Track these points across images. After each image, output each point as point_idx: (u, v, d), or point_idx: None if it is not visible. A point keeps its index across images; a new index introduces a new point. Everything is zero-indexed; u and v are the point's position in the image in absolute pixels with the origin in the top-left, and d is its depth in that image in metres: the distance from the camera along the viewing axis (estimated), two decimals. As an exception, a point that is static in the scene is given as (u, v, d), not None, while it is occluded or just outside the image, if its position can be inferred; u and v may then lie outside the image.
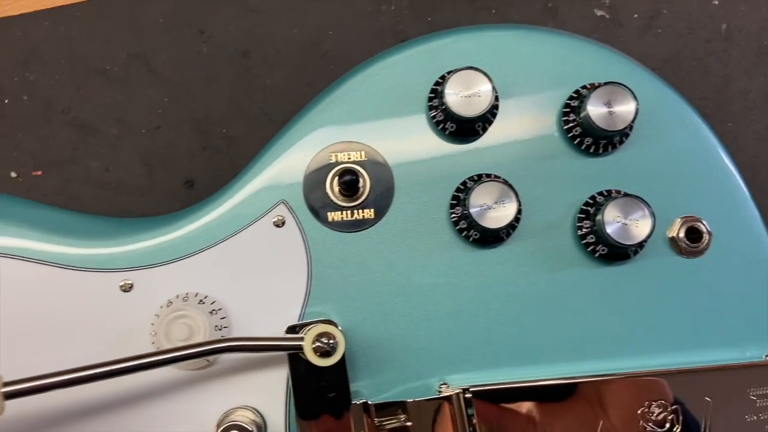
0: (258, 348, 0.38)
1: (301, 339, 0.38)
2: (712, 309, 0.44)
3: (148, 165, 0.59)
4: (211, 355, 0.38)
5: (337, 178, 0.43)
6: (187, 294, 0.42)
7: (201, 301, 0.42)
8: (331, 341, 0.38)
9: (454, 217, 0.44)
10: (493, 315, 0.44)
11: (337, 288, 0.44)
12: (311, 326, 0.39)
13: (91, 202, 0.59)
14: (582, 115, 0.44)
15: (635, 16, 0.54)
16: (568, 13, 0.56)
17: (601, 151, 0.45)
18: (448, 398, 0.41)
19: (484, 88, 0.43)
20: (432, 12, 0.58)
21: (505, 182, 0.43)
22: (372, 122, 0.45)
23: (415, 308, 0.44)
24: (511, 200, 0.43)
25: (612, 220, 0.42)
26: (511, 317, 0.44)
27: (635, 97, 0.43)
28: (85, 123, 0.59)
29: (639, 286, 0.44)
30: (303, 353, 0.38)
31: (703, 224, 0.45)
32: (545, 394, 0.42)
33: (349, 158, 0.45)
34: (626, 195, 0.43)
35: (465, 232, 0.44)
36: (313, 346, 0.38)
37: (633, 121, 0.44)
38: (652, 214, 0.42)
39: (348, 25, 0.58)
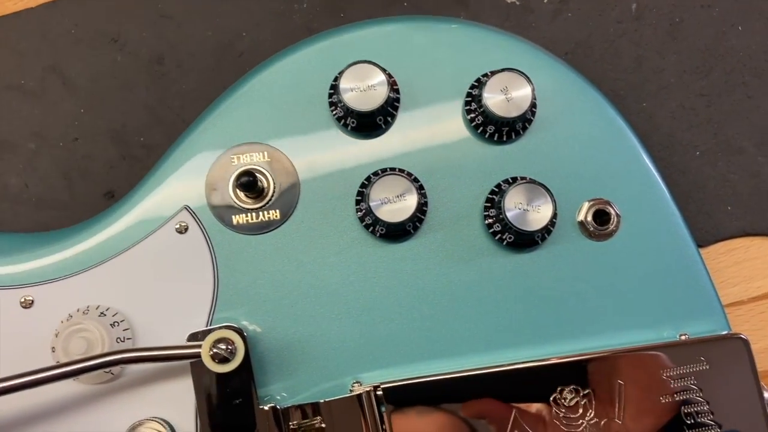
0: (154, 358, 0.38)
1: (199, 346, 0.37)
2: (625, 291, 0.44)
3: (67, 178, 0.58)
4: (105, 367, 0.37)
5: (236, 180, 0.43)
6: (87, 307, 0.41)
7: (102, 313, 0.41)
8: (229, 347, 0.37)
9: (359, 213, 0.44)
10: (405, 310, 0.44)
11: (245, 292, 0.43)
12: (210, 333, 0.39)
13: (12, 219, 0.58)
14: (482, 103, 0.43)
15: (545, 1, 0.54)
16: (480, 2, 0.56)
17: (505, 139, 0.45)
18: (359, 397, 0.41)
19: (379, 80, 0.42)
20: (345, 8, 0.57)
21: (408, 175, 0.43)
22: (274, 122, 0.45)
23: (327, 308, 0.43)
24: (411, 193, 0.42)
25: (513, 206, 0.42)
26: (423, 311, 0.44)
27: (530, 82, 0.43)
28: (1, 139, 0.58)
29: (550, 272, 0.44)
30: (201, 360, 0.37)
31: (612, 207, 0.44)
32: (457, 387, 0.41)
33: (252, 160, 0.44)
34: (527, 181, 0.43)
35: (371, 228, 0.43)
36: (211, 353, 0.37)
37: (533, 107, 0.43)
38: (553, 199, 0.42)
39: (262, 25, 0.57)
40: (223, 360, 0.37)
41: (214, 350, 0.37)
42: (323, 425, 0.41)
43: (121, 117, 0.58)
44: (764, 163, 0.52)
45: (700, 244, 0.51)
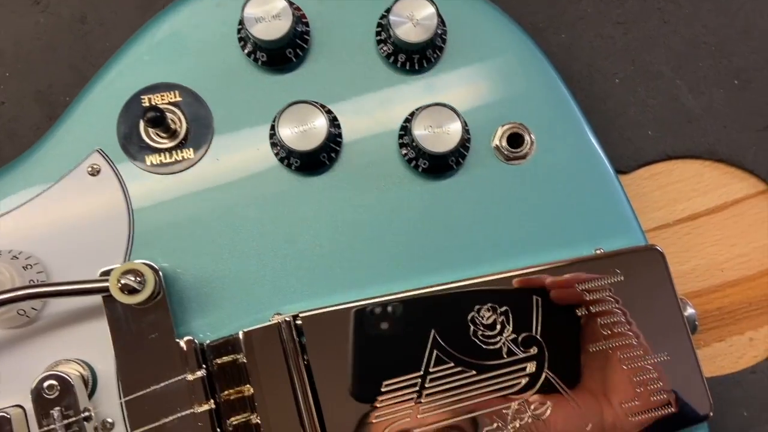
0: (61, 293, 0.37)
1: (106, 279, 0.37)
2: (542, 213, 0.44)
3: (-6, 142, 0.57)
4: (9, 303, 0.37)
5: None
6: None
7: (14, 256, 0.40)
8: (138, 278, 0.37)
9: (274, 149, 0.43)
10: (324, 242, 0.44)
11: (161, 231, 0.43)
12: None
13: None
14: (390, 32, 0.43)
15: (462, -62, 0.54)
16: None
17: (417, 68, 0.45)
18: (278, 326, 0.41)
19: (282, 7, 0.42)
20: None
21: (320, 105, 0.43)
22: (185, 62, 0.44)
23: (245, 243, 0.43)
24: (320, 119, 0.42)
25: (423, 129, 0.42)
26: (342, 242, 0.44)
27: (434, 3, 0.43)
28: (-73, 107, 0.58)
29: (467, 197, 0.44)
30: (110, 293, 0.37)
31: (526, 129, 0.45)
32: (377, 312, 0.41)
33: (163, 99, 0.44)
34: (436, 104, 0.43)
35: (286, 161, 0.43)
36: (119, 284, 0.37)
37: (442, 34, 0.44)
38: (462, 119, 0.42)
39: (182, -22, 0.57)
40: (133, 291, 0.37)
41: (123, 282, 0.37)
42: (243, 360, 0.41)
43: (47, 78, 0.58)
44: (682, 86, 0.53)
45: (624, 170, 0.52)
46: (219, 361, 0.41)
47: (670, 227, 0.52)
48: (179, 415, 0.40)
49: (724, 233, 0.51)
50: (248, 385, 0.40)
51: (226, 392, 0.41)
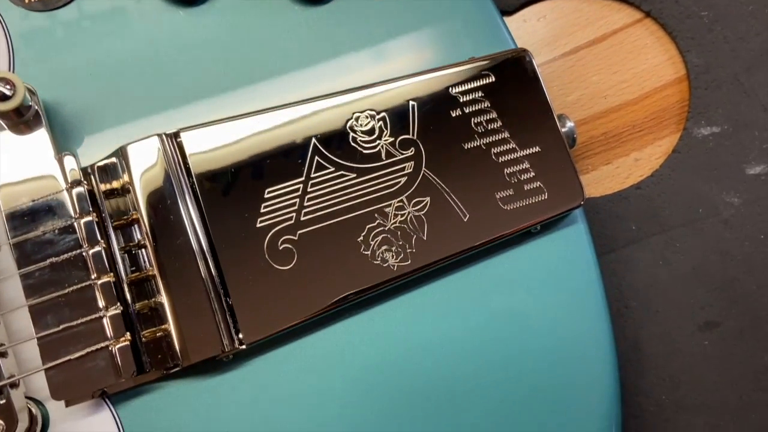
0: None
1: (-21, 90, 0.38)
2: (416, 28, 0.46)
3: None
4: None
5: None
6: None
7: None
8: (8, 86, 0.38)
9: (151, -21, 0.45)
10: (206, 66, 0.44)
11: (42, 65, 0.43)
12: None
13: None
14: None
15: None
16: None
17: None
18: (160, 139, 0.41)
19: None
20: None
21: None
22: None
23: (128, 72, 0.44)
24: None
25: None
26: (224, 67, 0.44)
27: None
28: None
29: (347, 19, 0.46)
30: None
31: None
32: (257, 124, 0.42)
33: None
34: None
35: (164, -8, 0.44)
36: (-12, 93, 0.38)
37: None
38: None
39: None
40: (4, 98, 0.38)
41: (-7, 87, 0.38)
42: (129, 186, 0.42)
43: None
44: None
45: (507, 9, 0.54)
46: (104, 187, 0.42)
47: (555, 62, 0.54)
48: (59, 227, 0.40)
49: (606, 62, 0.53)
50: (134, 212, 0.41)
51: (113, 220, 0.41)
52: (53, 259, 0.39)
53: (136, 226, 0.41)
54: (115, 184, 0.42)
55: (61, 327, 0.38)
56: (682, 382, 0.49)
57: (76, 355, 0.38)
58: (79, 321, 0.38)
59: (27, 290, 0.38)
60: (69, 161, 0.41)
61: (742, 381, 0.49)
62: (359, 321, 0.42)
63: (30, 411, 0.37)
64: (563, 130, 0.46)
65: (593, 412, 0.44)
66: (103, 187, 0.41)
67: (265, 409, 0.40)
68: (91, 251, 0.39)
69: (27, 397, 0.38)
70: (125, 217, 0.41)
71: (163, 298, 0.40)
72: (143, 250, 0.41)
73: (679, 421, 0.49)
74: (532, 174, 0.43)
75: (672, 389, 0.49)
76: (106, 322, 0.38)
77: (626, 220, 0.52)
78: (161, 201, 0.41)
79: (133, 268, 0.41)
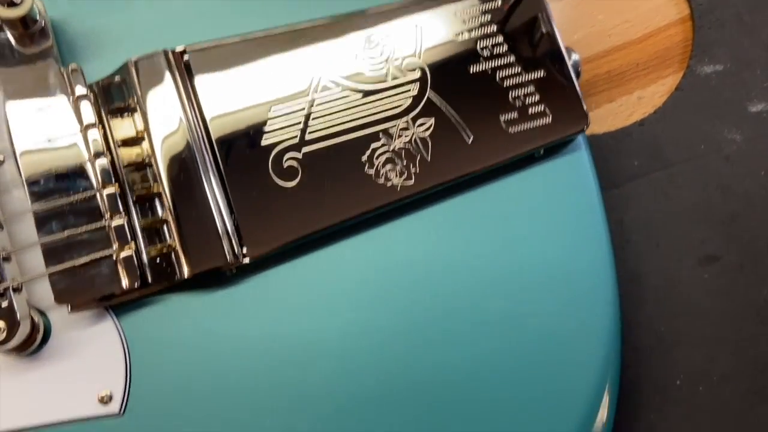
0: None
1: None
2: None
3: None
4: None
5: None
6: None
7: None
8: (16, -6, 0.38)
9: None
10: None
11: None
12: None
13: None
14: None
15: None
16: None
17: None
18: (165, 54, 0.41)
19: None
20: None
21: None
22: None
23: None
24: None
25: None
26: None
27: None
28: None
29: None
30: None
31: None
32: (264, 43, 0.42)
33: None
34: None
35: None
36: (-1, -1, 0.38)
37: None
38: None
39: None
40: (11, 4, 0.38)
41: (4, -5, 0.38)
42: (134, 106, 0.41)
43: None
44: None
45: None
46: (110, 104, 0.42)
47: (561, 0, 0.54)
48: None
49: (611, 2, 0.53)
50: (140, 130, 0.41)
51: (118, 136, 0.41)
52: (59, 170, 0.39)
53: (142, 142, 0.41)
54: (121, 102, 0.42)
55: (66, 234, 0.38)
56: (682, 315, 0.50)
57: (80, 261, 0.38)
58: (83, 228, 0.38)
59: (32, 197, 0.39)
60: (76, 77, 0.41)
61: (741, 314, 0.49)
62: (362, 241, 0.42)
63: (32, 318, 0.37)
64: (569, 62, 0.46)
65: (593, 343, 0.44)
66: (108, 104, 0.42)
67: (268, 324, 0.41)
68: (96, 162, 0.39)
69: (30, 306, 0.39)
70: (131, 135, 0.41)
71: (168, 214, 0.40)
72: (149, 168, 0.41)
73: (678, 354, 0.49)
74: (537, 98, 0.44)
75: (671, 323, 0.50)
76: (110, 231, 0.39)
77: (628, 156, 0.53)
78: (167, 118, 0.41)
79: (139, 185, 0.41)
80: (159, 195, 0.40)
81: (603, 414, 0.44)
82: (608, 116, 0.53)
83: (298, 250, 0.42)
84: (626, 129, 0.53)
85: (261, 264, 0.41)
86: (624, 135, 0.53)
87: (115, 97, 0.42)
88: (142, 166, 0.41)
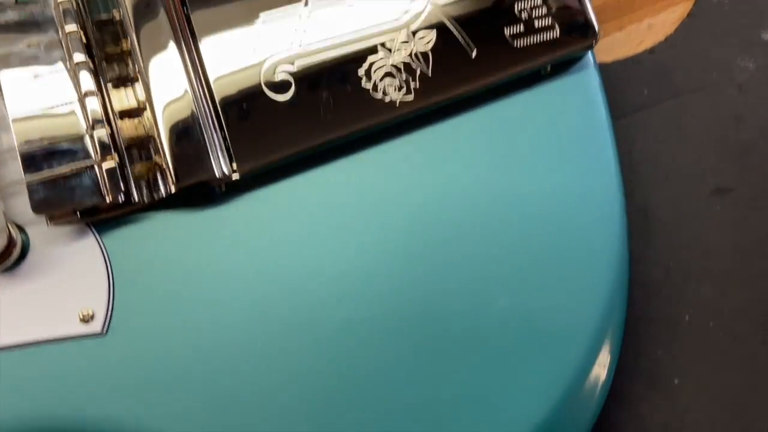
0: None
1: None
2: None
3: None
4: None
5: None
6: None
7: None
8: None
9: None
10: None
11: None
12: None
13: None
14: None
15: None
16: None
17: None
18: None
19: None
20: None
21: None
22: None
23: None
24: None
25: None
26: None
27: None
28: None
29: None
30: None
31: None
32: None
33: None
34: None
35: None
36: None
37: None
38: None
39: None
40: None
41: None
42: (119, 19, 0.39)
43: None
44: None
45: None
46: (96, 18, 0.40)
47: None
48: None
49: (621, -74, 0.51)
50: (124, 40, 0.39)
51: (105, 48, 0.39)
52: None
53: (127, 53, 0.39)
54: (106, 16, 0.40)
55: (46, 142, 0.36)
56: (691, 248, 0.48)
57: (60, 170, 0.36)
58: (63, 137, 0.36)
59: (9, 103, 0.36)
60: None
61: (752, 248, 0.48)
62: (358, 161, 0.40)
63: (9, 231, 0.35)
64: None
65: (599, 275, 0.42)
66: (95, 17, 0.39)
67: (257, 245, 0.39)
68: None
69: (7, 220, 0.37)
70: (117, 42, 0.39)
71: (153, 129, 0.38)
72: (135, 83, 0.39)
73: (687, 288, 0.47)
74: (544, 10, 0.41)
75: (680, 256, 0.48)
76: (93, 141, 0.37)
77: (638, 85, 0.51)
78: (153, 29, 0.39)
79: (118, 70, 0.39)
80: (143, 110, 0.38)
81: (608, 349, 0.42)
82: (617, 45, 0.51)
83: (291, 170, 0.40)
84: (636, 57, 0.51)
85: (251, 184, 0.39)
86: (633, 63, 0.51)
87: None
88: (128, 81, 0.39)
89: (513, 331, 0.40)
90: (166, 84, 0.38)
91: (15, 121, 0.36)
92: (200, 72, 0.38)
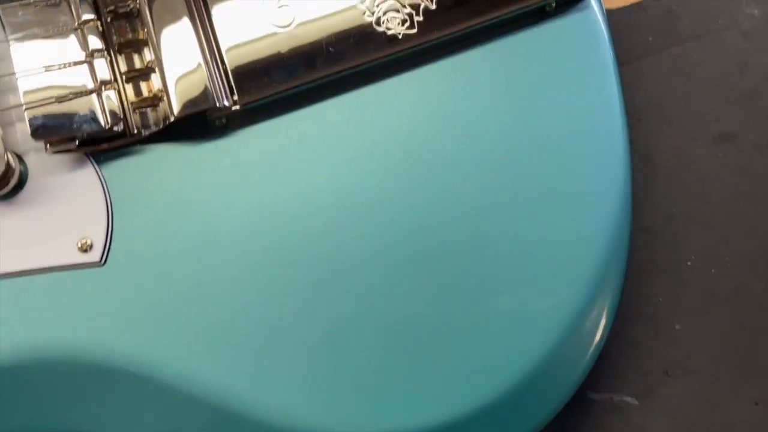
0: None
1: None
2: None
3: None
4: None
5: None
6: None
7: None
8: None
9: None
10: None
11: None
12: None
13: None
14: None
15: None
16: None
17: None
18: None
19: None
20: None
21: None
22: None
23: None
24: None
25: None
26: None
27: None
28: None
29: None
30: None
31: None
32: None
33: None
34: None
35: None
36: None
37: None
38: None
39: None
40: None
41: None
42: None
43: None
44: None
45: None
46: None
47: None
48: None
49: None
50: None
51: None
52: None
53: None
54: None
55: (43, 67, 0.36)
56: (695, 194, 0.48)
57: (58, 93, 0.35)
58: (62, 62, 0.36)
59: (9, 28, 0.36)
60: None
61: (756, 194, 0.47)
62: (360, 97, 0.40)
63: (8, 158, 0.35)
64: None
65: (602, 216, 0.42)
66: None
67: (257, 178, 0.38)
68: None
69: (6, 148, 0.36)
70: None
71: (153, 58, 0.37)
72: (135, 18, 0.38)
73: (690, 234, 0.47)
74: (549, -54, 0.41)
75: (683, 203, 0.48)
76: (91, 69, 0.36)
77: (642, 31, 0.50)
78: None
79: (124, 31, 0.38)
80: (144, 42, 0.38)
81: (609, 294, 0.41)
82: (622, -9, 0.51)
83: (292, 104, 0.39)
84: (641, 4, 0.50)
85: (252, 117, 0.39)
86: (638, 9, 0.50)
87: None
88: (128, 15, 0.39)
89: (514, 270, 0.39)
90: (166, 15, 0.38)
91: (14, 41, 0.36)
92: (202, 5, 0.38)
